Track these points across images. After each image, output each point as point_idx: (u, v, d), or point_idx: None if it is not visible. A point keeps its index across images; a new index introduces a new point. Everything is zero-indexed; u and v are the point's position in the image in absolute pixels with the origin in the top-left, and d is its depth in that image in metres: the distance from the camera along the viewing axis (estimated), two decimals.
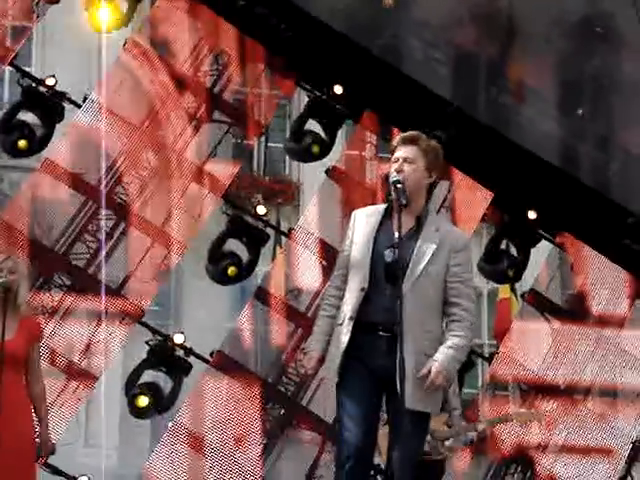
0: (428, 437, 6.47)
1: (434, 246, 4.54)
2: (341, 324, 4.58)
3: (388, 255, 4.49)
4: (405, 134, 4.75)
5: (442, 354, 4.48)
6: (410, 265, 4.47)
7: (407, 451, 4.44)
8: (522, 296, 11.04)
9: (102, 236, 10.31)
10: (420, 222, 4.59)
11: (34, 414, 5.65)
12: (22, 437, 5.51)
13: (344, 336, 4.53)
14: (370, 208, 4.76)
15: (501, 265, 10.42)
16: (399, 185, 4.54)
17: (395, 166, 4.63)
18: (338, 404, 4.58)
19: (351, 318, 4.53)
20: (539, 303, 10.88)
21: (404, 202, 4.50)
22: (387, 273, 4.49)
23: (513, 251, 10.49)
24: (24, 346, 5.62)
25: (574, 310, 10.95)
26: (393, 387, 4.39)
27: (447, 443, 7.12)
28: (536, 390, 10.73)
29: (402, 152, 4.65)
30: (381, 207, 4.72)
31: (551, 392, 10.73)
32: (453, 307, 4.56)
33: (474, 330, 4.62)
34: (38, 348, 5.80)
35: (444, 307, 4.57)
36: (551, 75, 10.15)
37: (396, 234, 4.48)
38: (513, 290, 12.52)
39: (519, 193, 10.12)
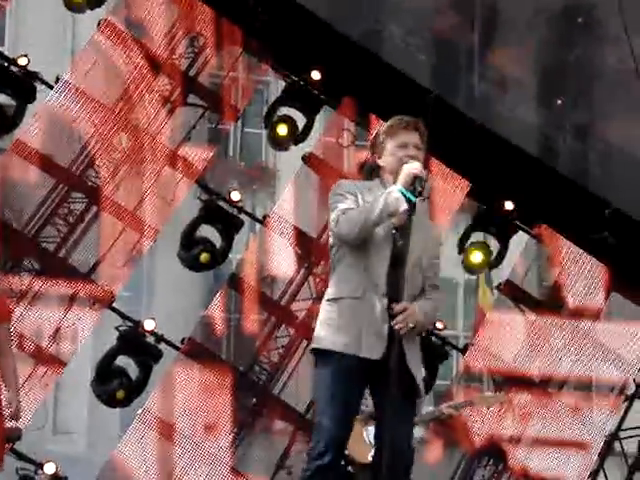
0: None
1: (423, 236, 4.39)
2: (359, 298, 4.29)
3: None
4: (408, 118, 4.46)
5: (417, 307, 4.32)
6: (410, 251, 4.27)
7: (409, 430, 4.37)
8: (497, 287, 10.96)
9: (72, 219, 10.15)
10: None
11: (4, 387, 5.67)
12: None
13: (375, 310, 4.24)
14: (363, 182, 4.45)
15: (476, 256, 10.35)
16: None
17: (409, 152, 4.35)
18: (321, 385, 4.31)
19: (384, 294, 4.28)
20: (515, 294, 10.81)
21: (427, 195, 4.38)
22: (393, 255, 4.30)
23: (489, 242, 10.43)
24: None
25: (550, 302, 10.88)
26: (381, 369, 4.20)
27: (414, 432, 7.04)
28: (510, 382, 10.65)
29: (411, 138, 4.39)
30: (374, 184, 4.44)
31: (525, 384, 10.67)
32: (428, 291, 4.45)
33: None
34: (7, 327, 5.81)
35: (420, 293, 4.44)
36: (531, 64, 10.08)
37: None
38: (488, 282, 12.47)
39: (496, 183, 10.03)
